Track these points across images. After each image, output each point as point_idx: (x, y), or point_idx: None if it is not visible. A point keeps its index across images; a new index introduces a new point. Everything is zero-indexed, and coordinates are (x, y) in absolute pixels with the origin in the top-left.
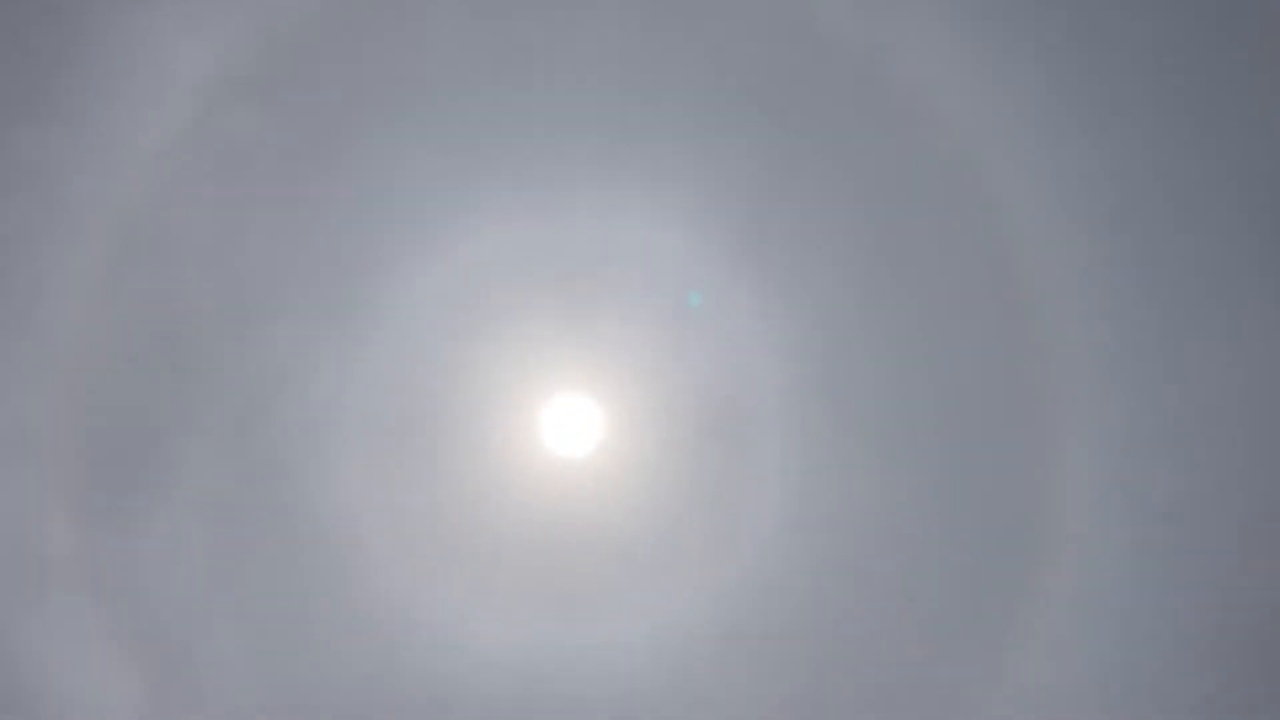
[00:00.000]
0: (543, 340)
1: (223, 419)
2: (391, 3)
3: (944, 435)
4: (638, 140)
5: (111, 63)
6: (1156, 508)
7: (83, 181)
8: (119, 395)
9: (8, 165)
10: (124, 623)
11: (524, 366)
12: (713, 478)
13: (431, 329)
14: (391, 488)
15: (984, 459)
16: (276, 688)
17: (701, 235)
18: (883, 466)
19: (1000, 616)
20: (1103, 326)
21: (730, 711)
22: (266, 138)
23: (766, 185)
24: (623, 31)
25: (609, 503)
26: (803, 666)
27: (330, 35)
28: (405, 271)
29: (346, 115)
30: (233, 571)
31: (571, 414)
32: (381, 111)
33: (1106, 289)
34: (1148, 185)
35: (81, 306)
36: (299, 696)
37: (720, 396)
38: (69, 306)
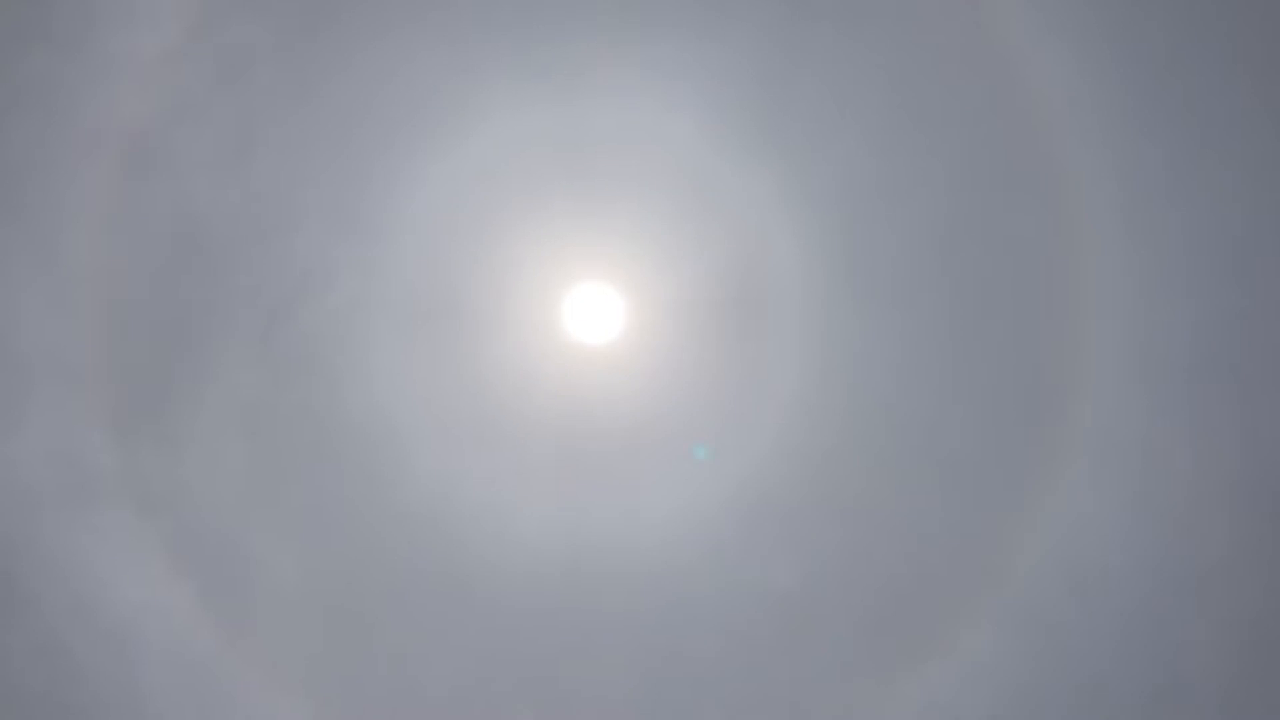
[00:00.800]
0: (560, 228)
1: (250, 325)
2: None
3: (964, 293)
4: (648, 21)
5: None
6: (1180, 345)
7: (88, 102)
8: (145, 310)
9: (11, 92)
10: (171, 531)
11: (542, 255)
12: (735, 354)
13: (449, 222)
14: (420, 378)
15: (1004, 313)
16: (324, 579)
17: (716, 115)
18: (904, 330)
19: (1024, 466)
20: (1127, 165)
21: (763, 578)
22: (267, 43)
23: (780, 62)
24: None
25: (634, 383)
26: (833, 530)
27: None
28: (419, 166)
29: (348, 12)
30: (272, 471)
31: (592, 300)
32: (385, 6)
33: (1130, 125)
34: (1159, 21)
35: (99, 227)
36: (347, 585)
37: (740, 274)
38: (87, 228)
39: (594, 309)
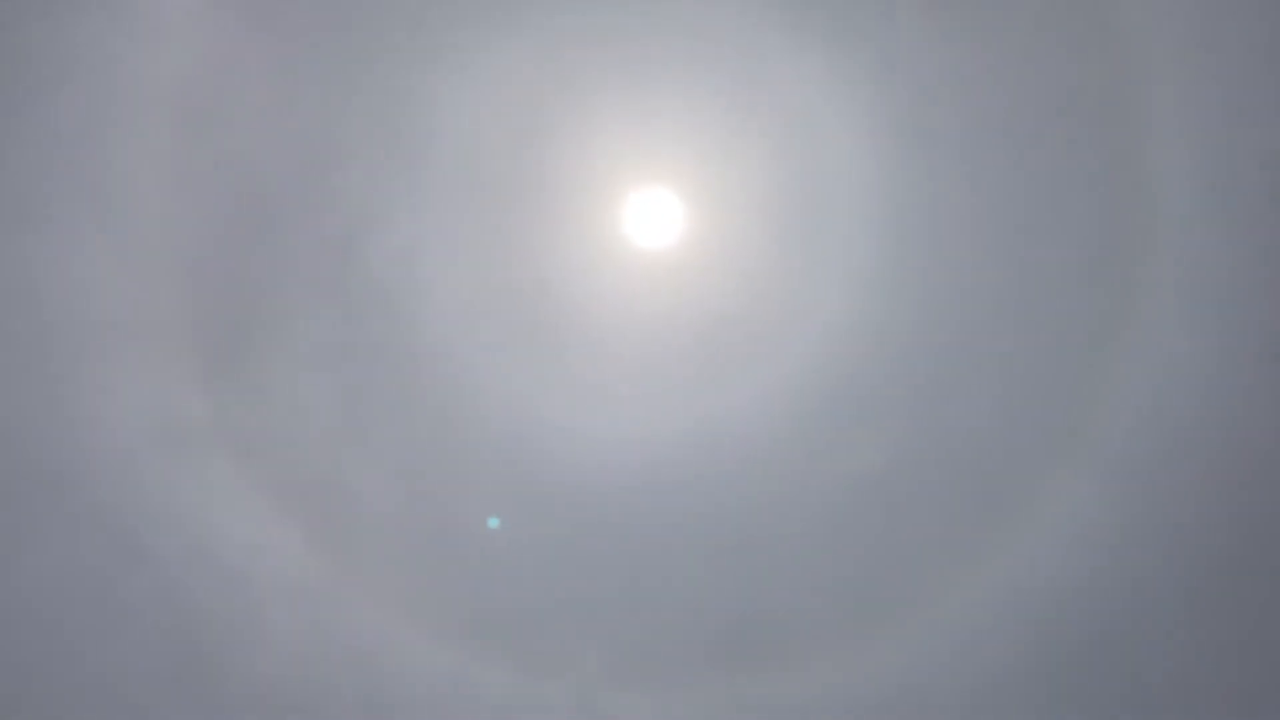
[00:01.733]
0: (613, 132)
1: (316, 266)
2: None
3: (1038, 158)
4: None
5: None
6: (1256, 198)
7: (132, 62)
8: (215, 263)
9: (55, 60)
10: (269, 474)
11: (598, 162)
12: (796, 255)
13: (497, 137)
14: (485, 300)
15: (1079, 161)
16: (417, 505)
17: (764, 3)
18: (969, 208)
19: (1108, 313)
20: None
21: (845, 462)
22: None
23: None
24: None
25: (699, 283)
26: (911, 407)
27: None
28: (461, 86)
29: None
30: (357, 407)
31: (651, 204)
32: None
33: None
34: None
35: (157, 186)
36: (440, 509)
37: (797, 161)
38: (146, 188)
39: (653, 213)
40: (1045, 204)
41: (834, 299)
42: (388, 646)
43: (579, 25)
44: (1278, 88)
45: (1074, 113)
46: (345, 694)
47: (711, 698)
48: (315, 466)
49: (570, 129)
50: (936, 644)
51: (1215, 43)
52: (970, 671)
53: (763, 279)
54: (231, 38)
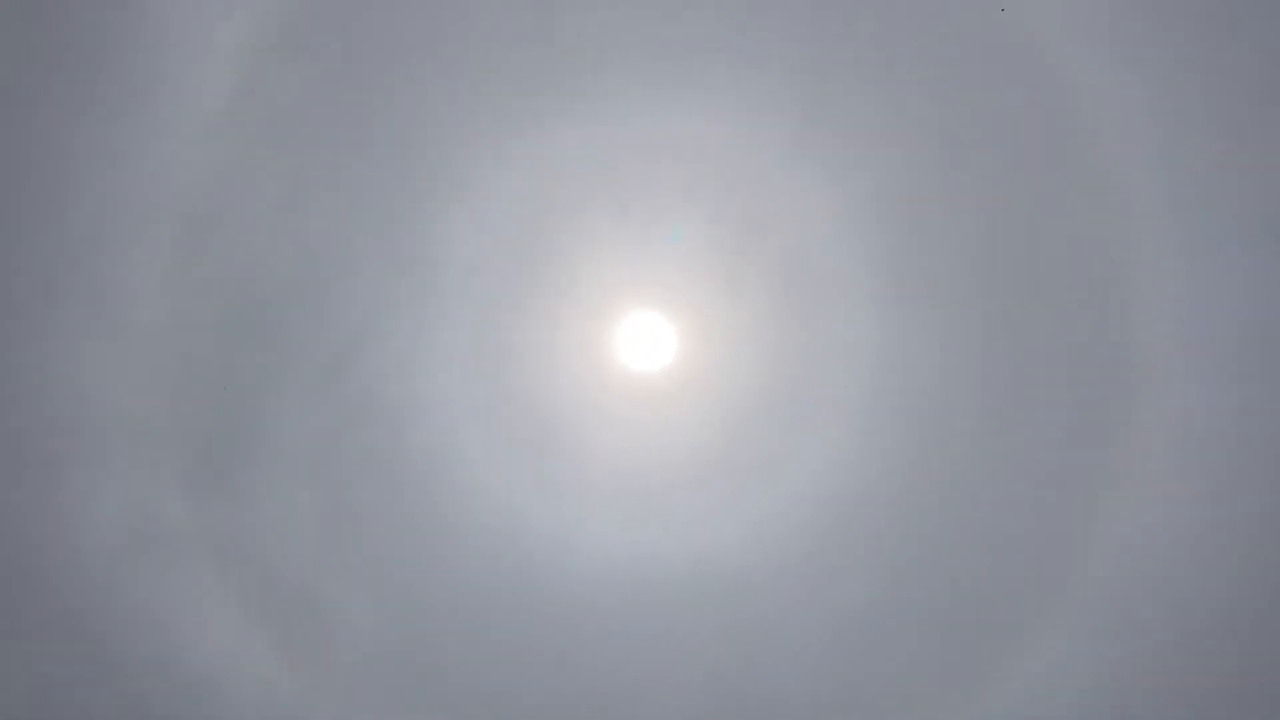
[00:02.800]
0: (609, 255)
1: (313, 376)
2: None
3: (1022, 291)
4: (683, 34)
5: (149, 47)
6: (1241, 329)
7: (141, 170)
8: (210, 370)
9: (67, 166)
10: (247, 583)
11: (594, 283)
12: (792, 369)
13: (499, 257)
14: (478, 419)
15: (1065, 312)
16: (396, 620)
17: (758, 123)
18: (964, 337)
19: (1095, 466)
20: (1173, 152)
21: (834, 595)
22: (313, 97)
23: (819, 60)
24: None
25: (690, 409)
26: (900, 543)
27: None
28: (465, 205)
29: (387, 61)
30: (342, 519)
31: (644, 326)
32: (421, 52)
33: (1171, 114)
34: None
35: (161, 292)
36: (419, 624)
37: (792, 286)
38: (149, 295)
39: (648, 334)
40: (1034, 356)
41: (826, 433)
42: None
43: (581, 150)
44: (1258, 253)
45: (1064, 270)
46: None
47: None
48: (295, 578)
49: (570, 251)
50: None
51: (1199, 204)
52: None
53: (755, 410)
54: (243, 146)
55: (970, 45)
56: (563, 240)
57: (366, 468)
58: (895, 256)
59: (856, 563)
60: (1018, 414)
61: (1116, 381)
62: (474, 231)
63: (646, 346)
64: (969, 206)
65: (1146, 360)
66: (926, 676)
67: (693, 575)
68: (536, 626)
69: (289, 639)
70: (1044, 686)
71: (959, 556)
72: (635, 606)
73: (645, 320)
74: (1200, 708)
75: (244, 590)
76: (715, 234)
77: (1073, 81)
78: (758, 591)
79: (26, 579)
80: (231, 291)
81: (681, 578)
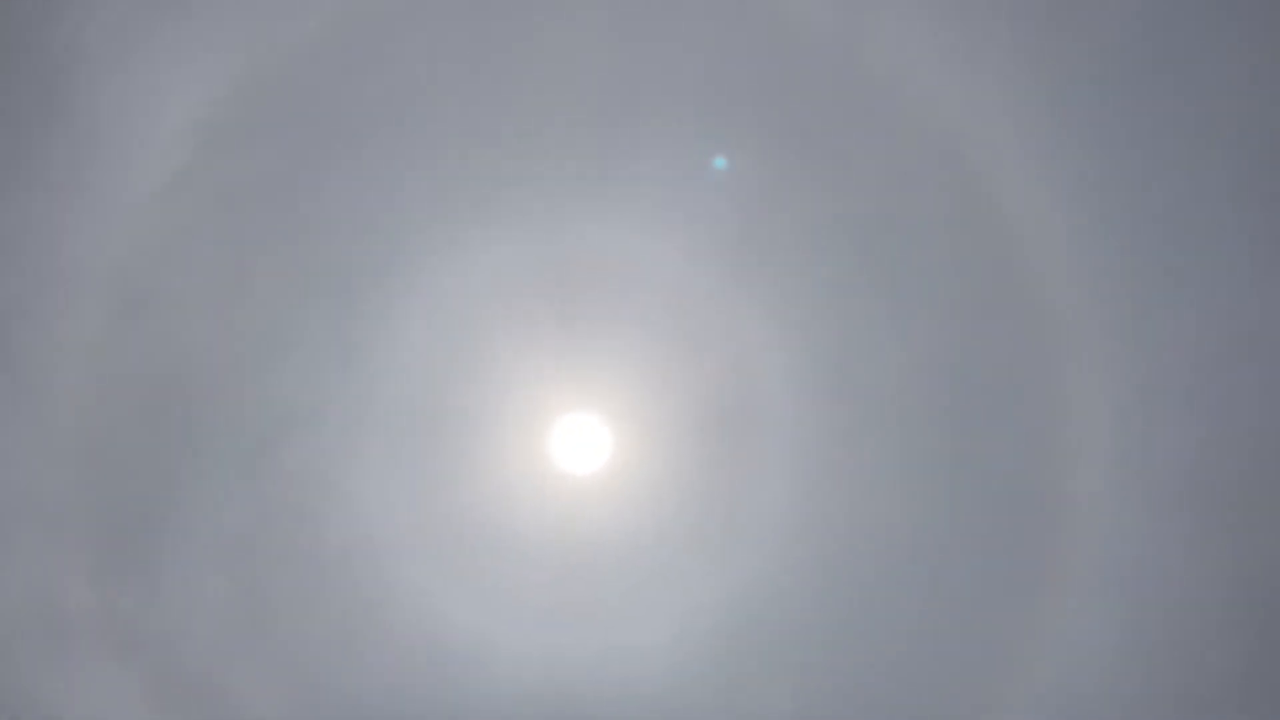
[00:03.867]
0: (548, 358)
1: (234, 463)
2: (374, 32)
3: (953, 425)
4: (628, 149)
5: (90, 124)
6: (1169, 492)
7: (77, 242)
8: (128, 452)
9: (2, 235)
10: (153, 674)
11: (530, 385)
12: (721, 484)
13: (434, 358)
14: (405, 517)
15: (995, 448)
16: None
17: (699, 240)
18: (892, 463)
19: (1016, 608)
20: (1105, 293)
21: (758, 707)
22: (258, 182)
23: (761, 186)
24: (610, 39)
25: (619, 513)
26: (825, 656)
27: (315, 70)
28: (404, 300)
29: (335, 148)
30: (255, 610)
31: (578, 429)
32: (366, 145)
33: (1105, 257)
34: (1139, 152)
35: (84, 368)
36: None
37: (725, 402)
38: (71, 370)
39: (581, 438)
40: (958, 482)
41: (754, 537)
42: None
43: (523, 256)
44: (1190, 378)
45: (994, 384)
46: None
47: None
48: (203, 667)
49: (506, 353)
50: None
51: (1141, 340)
52: None
53: (682, 517)
54: (178, 228)
55: (915, 184)
56: (499, 342)
57: (283, 559)
58: (826, 380)
59: (776, 672)
60: (940, 540)
61: (1041, 514)
62: (408, 329)
63: (579, 449)
64: (902, 337)
65: (1069, 494)
66: None
67: (614, 678)
68: None
69: None
70: None
71: (875, 673)
72: (554, 708)
73: (578, 424)
74: None
75: (149, 678)
76: (651, 345)
77: (1010, 215)
78: (676, 695)
79: None
80: (156, 373)
81: (602, 680)
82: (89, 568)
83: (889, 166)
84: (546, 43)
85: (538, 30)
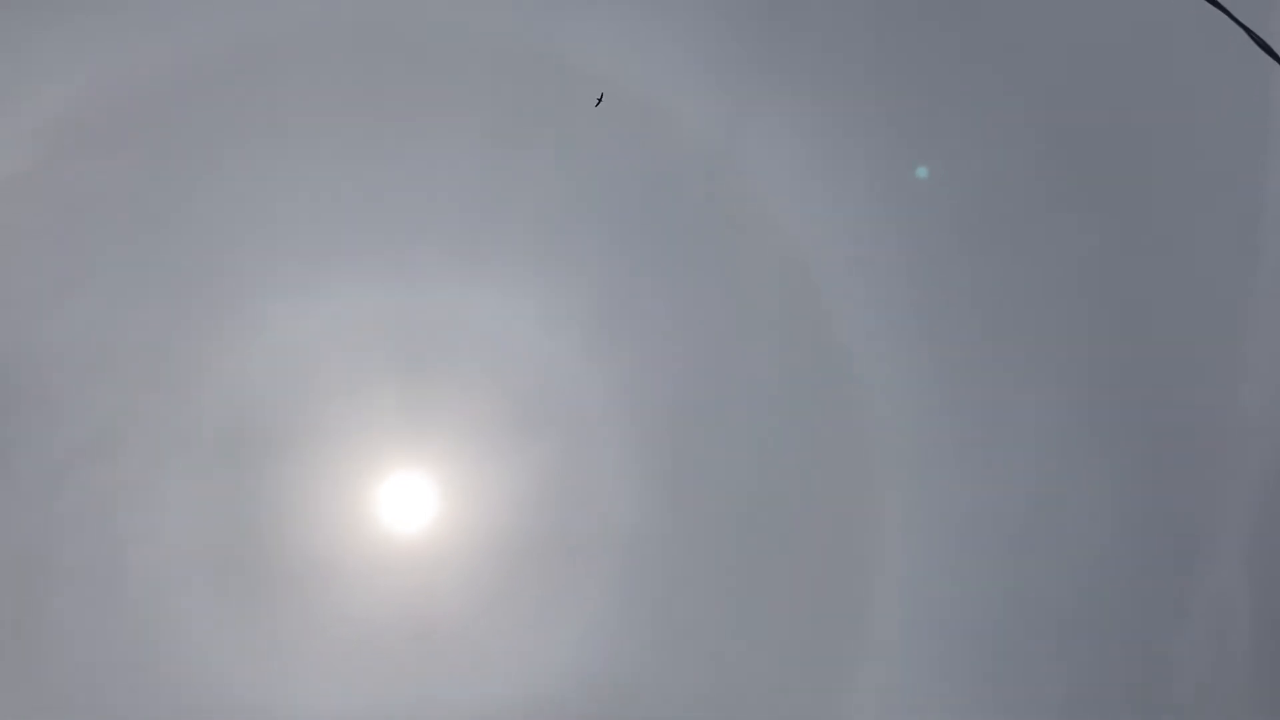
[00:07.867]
0: (383, 415)
1: (35, 478)
2: (247, 56)
3: (773, 534)
4: (501, 225)
5: None
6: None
7: None
8: None
9: None
10: None
11: (362, 441)
12: (548, 553)
13: (262, 394)
14: (204, 554)
15: (800, 575)
16: None
17: (556, 315)
18: (714, 543)
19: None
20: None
21: None
22: (108, 184)
23: (614, 270)
24: (474, 121)
25: (443, 578)
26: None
27: (180, 92)
28: (240, 330)
29: (193, 165)
30: (38, 633)
31: (408, 490)
32: (228, 164)
33: (920, 391)
34: (956, 299)
35: None
36: None
37: (559, 471)
38: None
39: (407, 497)
40: (769, 577)
41: (568, 633)
42: None
43: (374, 315)
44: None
45: (806, 524)
46: None
47: None
48: None
49: (335, 397)
50: None
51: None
52: None
53: (506, 579)
54: (17, 229)
55: (750, 264)
56: (334, 387)
57: (72, 580)
58: (665, 461)
59: None
60: (763, 612)
61: (840, 628)
62: (241, 360)
63: (402, 508)
64: (738, 436)
65: (871, 611)
66: None
67: None
68: None
69: None
70: None
71: None
72: None
73: (404, 482)
74: None
75: None
76: (494, 411)
77: (854, 352)
78: None
79: None
80: None
81: None
82: None
83: (732, 264)
84: (401, 122)
85: (389, 102)
